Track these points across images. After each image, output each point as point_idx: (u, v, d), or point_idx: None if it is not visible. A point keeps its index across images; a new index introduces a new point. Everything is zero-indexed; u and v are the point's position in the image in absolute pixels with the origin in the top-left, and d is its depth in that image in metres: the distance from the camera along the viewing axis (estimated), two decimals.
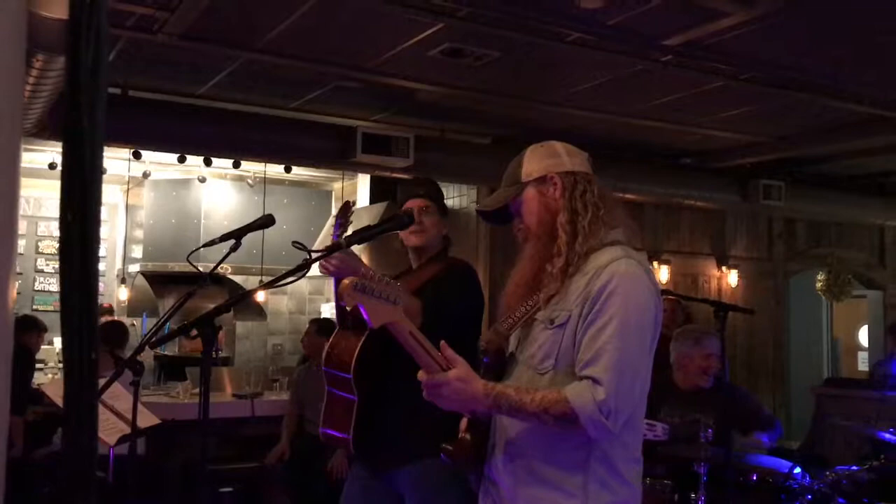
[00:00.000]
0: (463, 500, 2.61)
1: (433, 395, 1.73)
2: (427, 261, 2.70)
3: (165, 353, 7.47)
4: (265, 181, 7.73)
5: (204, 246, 2.40)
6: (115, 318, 6.95)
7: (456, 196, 6.88)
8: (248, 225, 2.44)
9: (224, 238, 2.42)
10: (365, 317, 1.67)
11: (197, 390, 5.30)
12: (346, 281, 1.66)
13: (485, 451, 1.85)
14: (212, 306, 2.07)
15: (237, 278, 7.64)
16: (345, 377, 2.48)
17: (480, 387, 1.70)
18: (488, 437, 1.84)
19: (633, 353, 1.65)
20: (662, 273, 7.30)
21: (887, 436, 3.26)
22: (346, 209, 2.50)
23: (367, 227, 2.31)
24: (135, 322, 7.80)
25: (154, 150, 6.23)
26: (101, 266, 7.71)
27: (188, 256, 2.52)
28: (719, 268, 7.77)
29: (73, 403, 0.51)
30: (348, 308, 1.68)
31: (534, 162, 1.86)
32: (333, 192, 8.48)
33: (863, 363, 9.31)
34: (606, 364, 1.61)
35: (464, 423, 1.86)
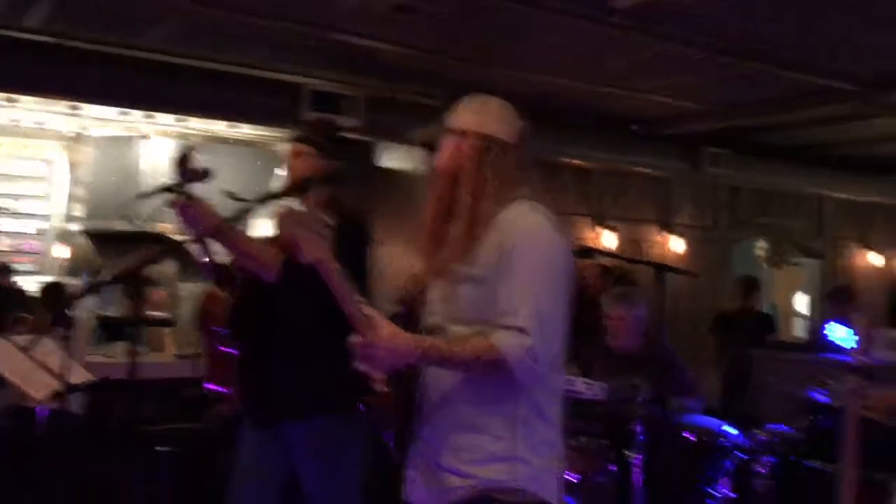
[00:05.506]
0: (359, 462, 2.57)
1: (367, 358, 1.70)
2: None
3: (108, 314, 7.30)
4: (209, 140, 7.53)
5: (138, 198, 2.34)
6: (57, 279, 6.76)
7: (407, 158, 6.81)
8: (182, 178, 2.38)
9: (159, 191, 2.36)
10: (299, 250, 1.64)
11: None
12: (283, 210, 1.64)
13: (407, 409, 1.84)
14: (168, 268, 2.03)
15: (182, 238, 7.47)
16: (222, 332, 2.45)
17: (412, 342, 1.70)
18: (410, 393, 1.83)
19: (549, 299, 1.72)
20: (608, 239, 7.38)
21: (818, 396, 3.35)
22: (185, 160, 2.42)
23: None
24: (76, 282, 7.59)
25: (93, 104, 6.01)
26: (42, 224, 7.48)
27: (126, 212, 2.45)
28: (664, 234, 7.88)
29: None
30: (281, 234, 1.66)
31: (463, 113, 1.88)
32: (279, 153, 8.33)
33: (798, 329, 9.65)
34: (527, 313, 1.68)
35: (381, 377, 1.79)
